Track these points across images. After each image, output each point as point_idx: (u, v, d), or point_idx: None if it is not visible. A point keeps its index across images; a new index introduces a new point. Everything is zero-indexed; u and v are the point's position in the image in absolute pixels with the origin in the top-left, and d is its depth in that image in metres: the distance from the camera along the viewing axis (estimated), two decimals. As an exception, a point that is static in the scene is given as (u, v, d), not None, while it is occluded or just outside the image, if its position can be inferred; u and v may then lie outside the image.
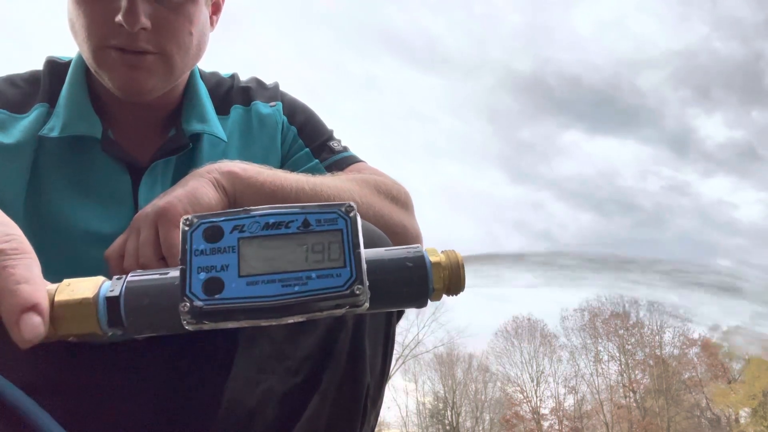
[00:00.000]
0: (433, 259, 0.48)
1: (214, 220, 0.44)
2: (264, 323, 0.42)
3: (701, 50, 40.16)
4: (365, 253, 0.44)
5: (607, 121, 41.60)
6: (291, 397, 0.69)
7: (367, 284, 0.43)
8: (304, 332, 0.71)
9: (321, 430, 0.68)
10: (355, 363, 0.70)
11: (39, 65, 0.95)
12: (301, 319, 0.43)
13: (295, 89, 1.08)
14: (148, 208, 0.71)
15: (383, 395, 0.79)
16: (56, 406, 0.52)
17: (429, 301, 0.48)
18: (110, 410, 0.89)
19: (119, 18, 0.78)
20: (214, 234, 0.44)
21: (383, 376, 0.76)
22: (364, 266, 0.43)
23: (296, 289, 0.42)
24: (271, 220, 0.44)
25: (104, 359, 0.91)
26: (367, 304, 0.43)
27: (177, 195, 0.71)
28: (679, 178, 39.86)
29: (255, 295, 0.42)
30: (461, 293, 0.49)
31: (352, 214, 0.45)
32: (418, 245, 0.49)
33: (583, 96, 40.75)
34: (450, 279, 0.48)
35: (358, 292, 0.42)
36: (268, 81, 1.07)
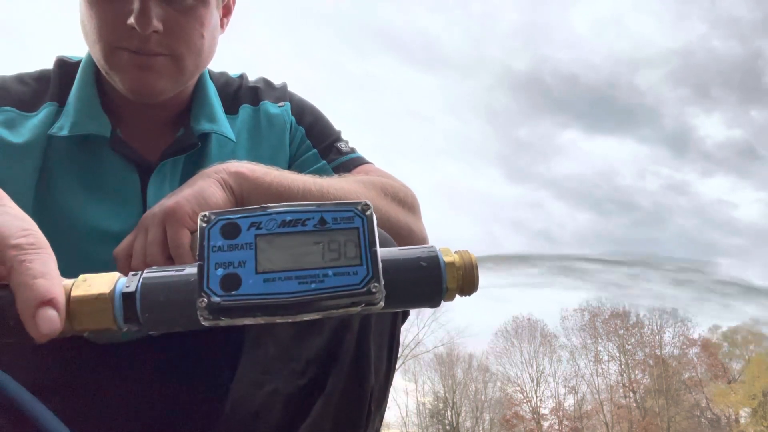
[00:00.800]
0: (447, 259, 0.48)
1: (231, 217, 0.45)
2: (280, 320, 0.42)
3: (699, 49, 40.10)
4: (380, 252, 0.44)
5: (606, 120, 41.56)
6: (296, 399, 0.69)
7: (383, 283, 0.43)
8: (309, 334, 0.71)
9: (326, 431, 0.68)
10: (360, 365, 0.70)
11: (34, 64, 0.95)
12: (317, 317, 0.43)
13: (292, 88, 1.08)
14: (156, 208, 0.71)
15: (388, 398, 0.79)
16: (61, 406, 0.52)
17: (442, 302, 0.48)
18: (115, 410, 0.89)
19: (131, 21, 0.78)
20: (231, 231, 0.44)
21: (388, 379, 0.76)
22: (381, 265, 0.43)
23: (313, 286, 0.42)
24: (288, 218, 0.44)
25: (109, 359, 0.91)
26: (382, 303, 0.43)
27: (185, 195, 0.71)
28: (678, 177, 39.84)
29: (272, 292, 0.42)
30: (474, 293, 0.49)
31: (368, 213, 0.45)
32: (432, 245, 0.49)
33: (581, 95, 40.73)
34: (464, 279, 0.48)
35: (374, 290, 0.42)
36: (276, 82, 1.07)
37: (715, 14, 40.38)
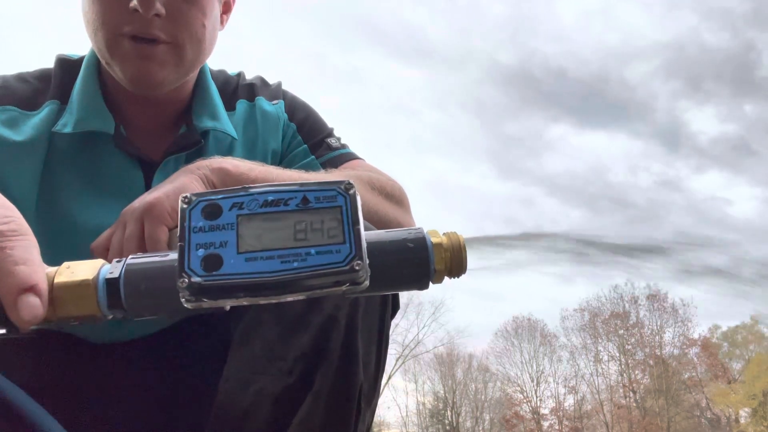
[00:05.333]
0: (434, 240, 0.47)
1: (212, 197, 0.44)
2: (263, 301, 0.42)
3: (690, 41, 39.31)
4: (365, 234, 0.44)
5: (596, 114, 40.92)
6: (284, 397, 0.69)
7: (367, 262, 0.43)
8: (296, 332, 0.71)
9: (315, 430, 0.68)
10: (348, 362, 0.69)
11: (14, 65, 0.95)
12: (300, 297, 0.42)
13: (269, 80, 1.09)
14: (136, 203, 0.70)
15: (379, 394, 0.79)
16: (53, 406, 0.52)
17: (431, 284, 0.48)
18: (105, 411, 0.89)
19: (134, 3, 0.79)
20: (212, 211, 0.44)
21: (378, 375, 0.76)
22: (364, 243, 0.43)
23: (295, 265, 0.41)
24: (270, 198, 0.44)
25: (100, 360, 0.91)
26: (367, 282, 0.43)
27: (165, 191, 0.70)
28: (672, 173, 39.39)
29: (254, 271, 0.41)
30: (463, 275, 0.49)
31: (351, 192, 0.45)
32: (420, 227, 0.49)
33: (570, 89, 40.00)
34: (452, 261, 0.47)
35: (357, 267, 0.42)
36: (271, 80, 1.09)
37: (705, 5, 39.75)
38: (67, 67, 0.93)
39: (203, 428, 0.74)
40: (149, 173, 0.89)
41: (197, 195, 0.45)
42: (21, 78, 0.92)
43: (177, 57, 0.85)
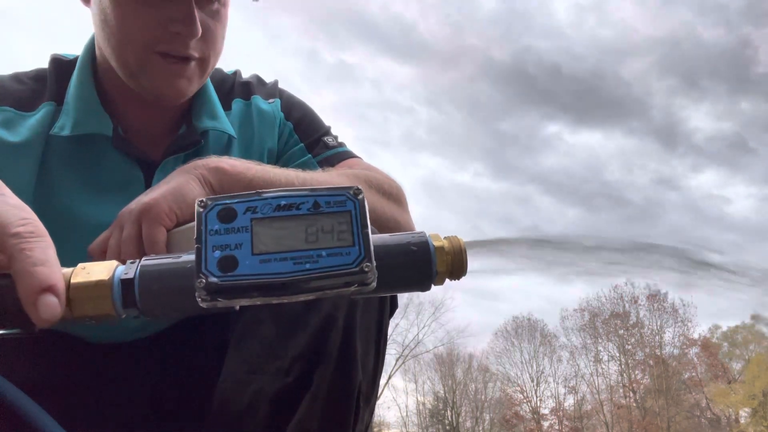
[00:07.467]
0: (436, 243, 0.50)
1: (227, 201, 0.46)
2: (276, 301, 0.44)
3: (685, 37, 38.78)
4: (371, 236, 0.46)
5: (592, 112, 40.39)
6: (282, 397, 0.69)
7: (375, 263, 0.45)
8: (294, 332, 0.71)
9: (313, 429, 0.68)
10: (346, 362, 0.70)
11: (13, 63, 0.95)
12: (311, 297, 0.44)
13: (266, 79, 1.10)
14: (133, 204, 0.69)
15: (377, 393, 0.79)
16: (52, 406, 0.52)
17: (432, 285, 0.50)
18: (105, 411, 0.89)
19: (177, 27, 0.80)
20: (227, 215, 0.46)
21: (376, 374, 0.76)
22: (372, 245, 0.45)
23: (307, 266, 0.44)
24: (283, 202, 0.46)
25: (99, 360, 0.91)
26: (374, 284, 0.45)
27: (162, 192, 0.69)
28: (668, 171, 38.98)
29: (268, 272, 0.43)
30: (463, 277, 0.51)
31: (360, 197, 0.47)
32: (422, 231, 0.51)
33: (565, 86, 39.51)
34: (453, 263, 0.50)
35: (366, 269, 0.44)
36: (267, 79, 1.09)
37: (699, 0, 39.71)
38: (62, 67, 0.93)
39: (202, 428, 0.74)
40: (149, 173, 0.89)
41: (213, 199, 0.47)
42: (17, 78, 0.91)
43: (202, 71, 0.87)
